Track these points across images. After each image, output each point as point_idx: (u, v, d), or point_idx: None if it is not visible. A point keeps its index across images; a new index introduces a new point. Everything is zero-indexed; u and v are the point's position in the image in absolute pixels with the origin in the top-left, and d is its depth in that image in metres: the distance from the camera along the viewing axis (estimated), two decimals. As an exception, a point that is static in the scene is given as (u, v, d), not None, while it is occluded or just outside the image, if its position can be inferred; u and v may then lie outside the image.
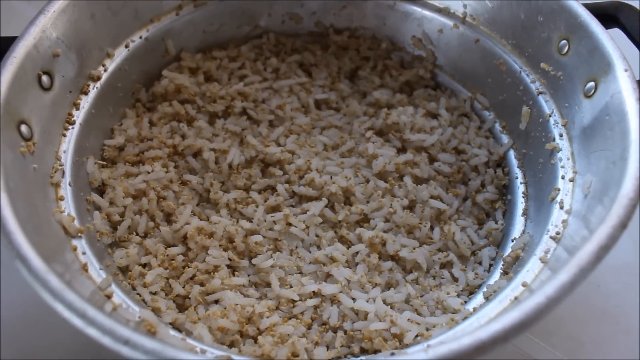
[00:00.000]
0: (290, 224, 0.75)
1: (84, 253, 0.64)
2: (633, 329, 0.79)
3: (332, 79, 0.92)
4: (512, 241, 0.74)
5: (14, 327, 0.76)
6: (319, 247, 0.75)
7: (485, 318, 0.60)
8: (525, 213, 0.77)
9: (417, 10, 0.91)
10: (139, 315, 0.59)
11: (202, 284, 0.70)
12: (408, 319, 0.66)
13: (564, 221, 0.66)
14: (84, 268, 0.62)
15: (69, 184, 0.69)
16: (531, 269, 0.64)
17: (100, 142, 0.78)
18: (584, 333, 0.79)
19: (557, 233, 0.65)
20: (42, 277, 0.49)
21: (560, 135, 0.74)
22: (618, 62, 0.66)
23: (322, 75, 0.92)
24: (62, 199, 0.67)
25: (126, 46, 0.82)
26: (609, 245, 0.52)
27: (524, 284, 0.62)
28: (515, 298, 0.61)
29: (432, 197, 0.79)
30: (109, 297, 0.61)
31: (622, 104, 0.63)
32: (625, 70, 0.65)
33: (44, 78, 0.68)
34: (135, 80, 0.84)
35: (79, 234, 0.65)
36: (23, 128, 0.64)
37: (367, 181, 0.80)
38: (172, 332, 0.61)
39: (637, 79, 0.67)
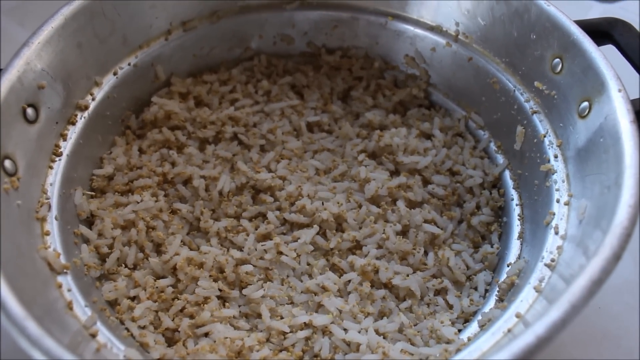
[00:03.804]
0: (281, 253, 0.73)
1: (69, 290, 0.63)
2: (635, 351, 0.77)
3: (325, 100, 0.91)
4: (508, 266, 0.72)
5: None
6: (310, 276, 0.73)
7: (478, 352, 0.58)
8: (521, 236, 0.75)
9: (410, 28, 0.90)
10: (124, 355, 0.58)
11: (191, 317, 0.69)
12: (401, 350, 0.65)
13: (559, 247, 0.64)
14: (69, 306, 0.61)
15: (55, 218, 0.68)
16: (525, 299, 0.62)
17: (89, 172, 0.77)
18: (584, 357, 0.77)
19: (552, 260, 0.64)
20: (20, 323, 0.49)
21: (555, 157, 0.72)
22: (612, 81, 0.65)
23: (314, 96, 0.91)
24: (47, 234, 0.66)
25: (114, 73, 0.81)
26: (602, 279, 0.50)
27: (518, 315, 0.60)
28: (509, 330, 0.59)
29: (426, 221, 0.77)
30: (93, 335, 0.60)
31: (617, 126, 0.62)
32: (619, 91, 0.64)
33: (29, 111, 0.68)
34: (124, 108, 0.84)
35: (65, 270, 0.64)
36: (7, 163, 0.63)
37: (360, 206, 0.78)
38: (158, 371, 0.60)
39: (633, 98, 0.65)
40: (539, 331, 0.47)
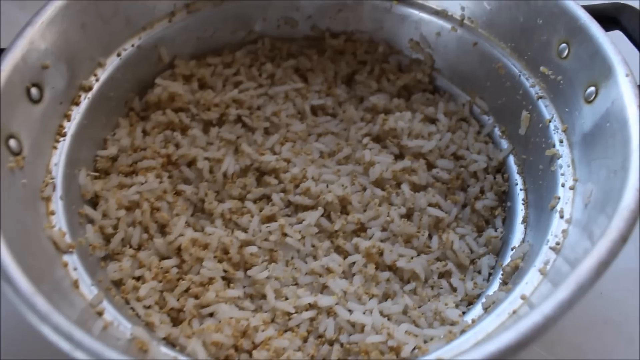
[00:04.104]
0: (285, 234, 0.74)
1: (75, 269, 0.63)
2: (636, 336, 0.78)
3: (329, 84, 0.91)
4: (512, 250, 0.73)
5: (14, 330, 0.75)
6: (315, 258, 0.73)
7: (483, 333, 0.58)
8: (525, 220, 0.75)
9: (415, 13, 0.89)
10: (131, 333, 0.58)
11: (196, 297, 0.69)
12: (405, 331, 0.65)
13: (564, 231, 0.65)
14: (75, 285, 0.61)
15: (60, 198, 0.68)
16: (530, 281, 0.62)
17: (93, 153, 0.77)
18: (586, 342, 0.78)
19: (557, 243, 0.64)
20: (29, 299, 0.49)
21: (561, 142, 0.72)
22: (619, 66, 0.65)
23: (318, 80, 0.91)
24: (52, 213, 0.66)
25: (118, 55, 0.81)
26: (608, 261, 0.51)
27: (523, 297, 0.61)
28: (514, 312, 0.60)
29: (430, 204, 0.77)
30: (100, 314, 0.60)
31: (624, 111, 0.62)
32: (627, 76, 0.64)
33: (33, 90, 0.67)
34: (128, 89, 0.83)
35: (70, 249, 0.64)
36: (12, 143, 0.63)
37: (364, 189, 0.78)
38: (164, 350, 0.60)
39: (639, 83, 0.65)
40: (547, 311, 0.48)
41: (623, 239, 0.52)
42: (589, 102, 0.68)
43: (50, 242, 0.63)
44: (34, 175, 0.66)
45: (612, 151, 0.62)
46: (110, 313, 0.61)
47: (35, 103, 0.68)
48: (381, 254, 0.72)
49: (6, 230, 0.54)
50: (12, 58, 0.64)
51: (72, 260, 0.64)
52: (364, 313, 0.67)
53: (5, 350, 0.74)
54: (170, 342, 0.64)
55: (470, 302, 0.71)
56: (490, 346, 0.47)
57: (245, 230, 0.75)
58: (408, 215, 0.77)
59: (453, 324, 0.66)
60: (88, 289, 0.62)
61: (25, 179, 0.63)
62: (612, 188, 0.59)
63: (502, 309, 0.61)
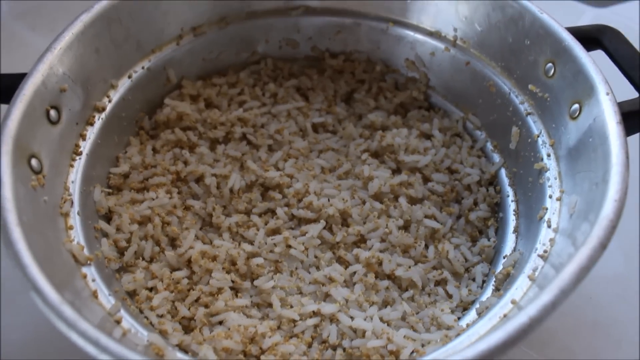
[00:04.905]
0: (290, 246, 0.78)
1: (93, 280, 0.67)
2: (625, 339, 0.82)
3: (329, 102, 0.96)
4: (504, 258, 0.77)
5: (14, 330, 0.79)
6: (317, 268, 0.78)
7: (476, 335, 0.62)
8: (516, 230, 0.79)
9: (410, 34, 0.94)
10: (147, 339, 0.62)
11: (206, 306, 0.73)
12: (404, 336, 0.69)
13: (551, 239, 0.69)
14: (94, 295, 0.65)
15: (78, 213, 0.72)
16: (520, 287, 0.66)
17: (106, 170, 0.82)
18: (576, 344, 0.82)
19: (545, 251, 0.68)
20: (57, 307, 0.53)
21: (548, 155, 0.77)
22: (600, 85, 0.69)
23: (318, 99, 0.95)
24: (71, 228, 0.70)
25: (129, 77, 0.85)
26: (589, 267, 0.55)
27: (513, 302, 0.65)
28: (505, 315, 0.64)
29: (426, 216, 0.81)
30: (118, 322, 0.64)
31: (604, 127, 0.66)
32: (607, 94, 0.68)
33: (52, 112, 0.72)
34: (138, 109, 0.88)
35: (88, 262, 0.68)
36: (33, 162, 0.67)
37: (364, 203, 0.83)
38: (179, 355, 0.63)
39: (620, 101, 0.70)
40: (532, 313, 0.52)
41: (602, 246, 0.56)
42: (573, 118, 0.73)
43: (70, 255, 0.67)
44: (53, 192, 0.70)
45: (595, 164, 0.66)
46: (127, 321, 0.65)
47: (54, 124, 0.72)
48: (380, 263, 0.76)
49: (32, 245, 0.58)
50: (33, 83, 0.69)
51: (91, 272, 0.68)
52: (365, 319, 0.71)
53: (6, 350, 0.77)
54: (182, 349, 0.67)
55: (465, 307, 0.75)
56: (481, 345, 0.51)
57: (251, 242, 0.79)
58: (405, 227, 0.81)
59: (449, 328, 0.70)
60: (106, 299, 0.66)
61: (46, 196, 0.68)
62: (594, 199, 0.63)
63: (493, 313, 0.65)
